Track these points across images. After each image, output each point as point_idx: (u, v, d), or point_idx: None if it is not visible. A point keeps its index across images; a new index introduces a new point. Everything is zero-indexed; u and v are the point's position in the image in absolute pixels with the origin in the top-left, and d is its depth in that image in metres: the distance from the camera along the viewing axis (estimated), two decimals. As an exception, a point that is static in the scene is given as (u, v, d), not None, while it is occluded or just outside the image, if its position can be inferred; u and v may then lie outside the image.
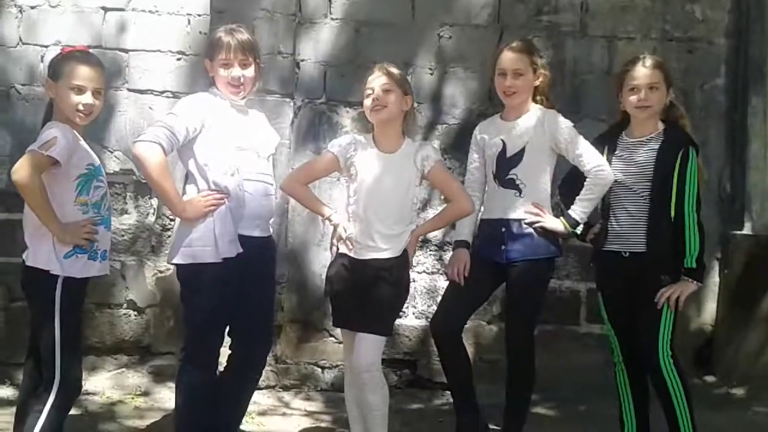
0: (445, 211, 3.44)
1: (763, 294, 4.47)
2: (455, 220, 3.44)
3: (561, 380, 4.15)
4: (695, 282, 3.16)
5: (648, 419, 3.31)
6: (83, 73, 2.90)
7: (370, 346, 3.11)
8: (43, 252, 2.84)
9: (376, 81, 3.23)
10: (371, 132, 3.29)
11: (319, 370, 4.38)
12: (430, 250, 4.48)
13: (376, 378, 3.12)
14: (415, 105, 4.38)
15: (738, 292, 4.49)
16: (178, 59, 4.40)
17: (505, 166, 3.37)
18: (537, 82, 3.42)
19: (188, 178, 3.13)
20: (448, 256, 4.43)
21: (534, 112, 3.41)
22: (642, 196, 3.22)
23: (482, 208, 3.48)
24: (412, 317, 4.44)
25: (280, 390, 4.30)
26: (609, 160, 3.32)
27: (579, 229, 3.40)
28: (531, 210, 3.31)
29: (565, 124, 3.40)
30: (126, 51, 4.39)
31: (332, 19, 4.45)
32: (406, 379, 4.41)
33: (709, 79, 4.58)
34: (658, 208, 3.18)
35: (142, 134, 3.06)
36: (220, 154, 3.08)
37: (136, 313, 4.38)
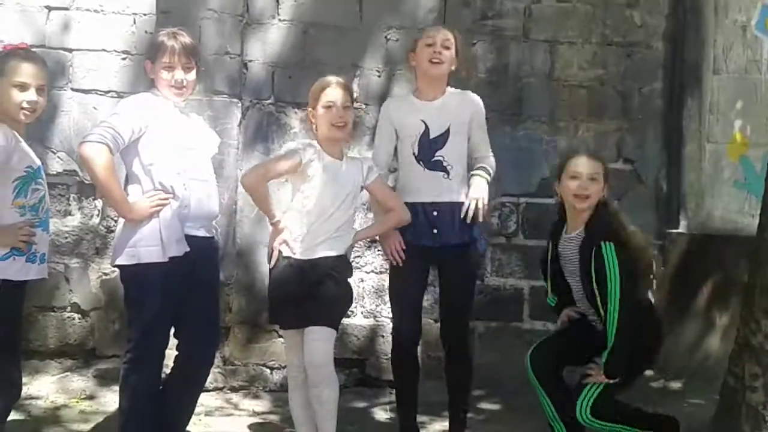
0: (387, 219, 3.42)
1: (699, 289, 4.65)
2: (394, 228, 3.45)
3: (505, 376, 4.24)
4: (606, 377, 3.12)
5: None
6: (26, 70, 2.87)
7: (324, 340, 3.15)
8: None
9: (338, 96, 3.26)
10: (315, 138, 3.33)
11: (268, 370, 4.39)
12: (378, 250, 4.51)
13: (332, 373, 3.16)
14: (363, 106, 4.49)
15: (674, 288, 4.65)
16: (123, 59, 4.36)
17: (429, 148, 3.41)
18: (453, 67, 3.49)
19: (130, 178, 3.11)
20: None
21: (452, 92, 3.50)
22: (582, 294, 3.24)
23: (402, 191, 3.49)
24: (361, 316, 4.48)
25: (228, 391, 4.29)
26: (555, 262, 3.36)
27: (552, 301, 3.46)
28: (468, 205, 3.36)
29: (482, 106, 3.53)
30: (70, 50, 4.33)
31: (280, 20, 4.46)
32: (355, 378, 4.45)
33: (647, 82, 4.73)
34: (594, 305, 3.20)
35: (87, 134, 3.03)
36: (165, 155, 3.08)
37: (80, 316, 4.32)
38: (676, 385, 4.48)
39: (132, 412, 3.07)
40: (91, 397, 4.10)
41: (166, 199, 3.03)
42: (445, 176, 3.40)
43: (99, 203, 4.32)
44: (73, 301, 4.31)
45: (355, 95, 4.38)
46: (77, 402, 4.05)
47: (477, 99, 3.54)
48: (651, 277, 3.37)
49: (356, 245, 4.43)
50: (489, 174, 3.48)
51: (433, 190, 3.39)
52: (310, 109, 3.33)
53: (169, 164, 3.07)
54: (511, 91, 4.61)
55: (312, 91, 3.33)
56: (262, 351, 4.37)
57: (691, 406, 4.16)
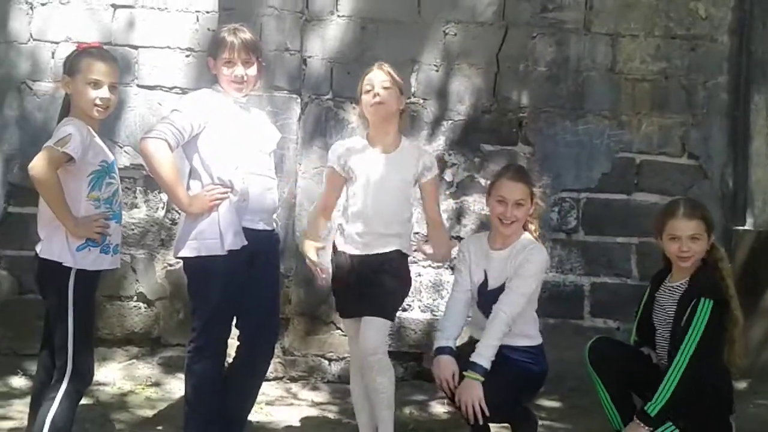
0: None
1: (766, 288, 4.52)
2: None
3: (564, 374, 4.20)
4: (646, 428, 3.05)
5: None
6: (100, 68, 2.97)
7: (376, 329, 3.18)
8: (56, 244, 2.90)
9: (376, 78, 3.28)
10: (367, 130, 3.35)
11: (326, 362, 4.44)
12: (436, 245, 4.52)
13: (383, 361, 3.19)
14: (421, 101, 4.50)
15: (740, 286, 4.47)
16: (187, 56, 4.46)
17: (487, 300, 3.33)
18: (530, 211, 3.40)
19: (192, 173, 3.19)
20: (452, 250, 4.49)
21: (520, 243, 3.36)
22: (666, 343, 3.20)
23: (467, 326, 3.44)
24: (418, 311, 4.49)
25: (288, 381, 4.36)
26: (649, 306, 3.33)
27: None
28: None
29: (540, 261, 3.33)
30: (135, 47, 4.45)
31: (339, 16, 4.50)
32: (413, 371, 4.47)
33: (712, 76, 4.61)
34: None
35: (148, 131, 3.13)
36: (224, 150, 3.15)
37: (146, 305, 4.44)
38: (741, 385, 4.36)
39: (195, 400, 3.15)
40: (156, 384, 4.22)
41: (225, 193, 3.09)
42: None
43: (164, 196, 4.43)
44: (139, 291, 4.44)
45: (412, 90, 4.46)
46: (143, 389, 4.17)
47: (538, 253, 3.34)
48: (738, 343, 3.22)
49: (413, 239, 4.47)
50: (484, 367, 3.16)
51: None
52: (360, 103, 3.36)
53: (228, 159, 3.14)
54: (572, 85, 4.56)
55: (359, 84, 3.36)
56: (320, 342, 4.43)
57: (758, 407, 4.07)
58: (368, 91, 3.27)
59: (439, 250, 3.47)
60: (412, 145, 3.43)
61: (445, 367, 3.22)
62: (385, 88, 3.26)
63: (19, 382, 4.13)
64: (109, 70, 3.00)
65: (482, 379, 3.12)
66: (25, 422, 3.17)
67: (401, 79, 3.38)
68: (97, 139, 3.00)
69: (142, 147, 3.08)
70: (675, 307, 3.18)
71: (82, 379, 2.94)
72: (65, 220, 2.86)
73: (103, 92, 2.96)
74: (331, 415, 3.92)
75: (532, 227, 3.45)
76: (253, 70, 3.25)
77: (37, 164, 2.83)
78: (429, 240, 3.52)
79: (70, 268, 2.89)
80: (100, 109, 2.97)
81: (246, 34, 3.24)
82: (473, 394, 3.10)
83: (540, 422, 3.56)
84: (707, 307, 3.06)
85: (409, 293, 4.28)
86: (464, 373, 3.16)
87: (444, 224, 3.48)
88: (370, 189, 3.26)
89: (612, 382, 3.30)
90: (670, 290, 3.28)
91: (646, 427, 3.06)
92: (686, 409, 3.07)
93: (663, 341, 3.24)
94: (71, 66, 3.00)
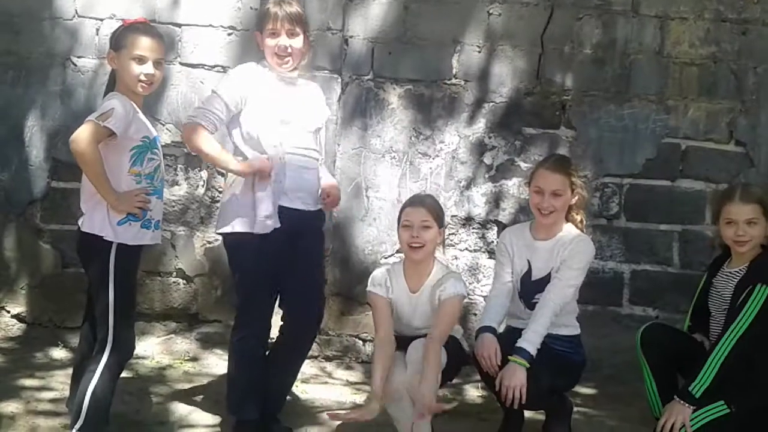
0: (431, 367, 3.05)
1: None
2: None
3: (602, 361, 4.16)
4: (689, 406, 3.03)
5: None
6: (145, 44, 2.98)
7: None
8: (97, 218, 2.94)
9: (416, 216, 3.19)
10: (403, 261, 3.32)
11: (360, 342, 4.45)
12: (473, 228, 4.50)
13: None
14: (462, 83, 4.45)
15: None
16: (229, 34, 4.46)
17: (530, 290, 3.34)
18: (573, 201, 3.36)
19: (235, 151, 3.22)
20: (490, 234, 4.47)
21: (565, 233, 3.35)
22: (721, 329, 3.16)
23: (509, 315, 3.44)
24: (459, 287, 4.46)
25: (323, 360, 4.39)
26: (705, 291, 3.32)
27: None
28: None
29: (588, 253, 3.32)
30: (179, 25, 4.46)
31: (381, -5, 4.46)
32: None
33: (762, 61, 4.47)
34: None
35: (189, 116, 3.21)
36: (263, 127, 3.16)
37: (185, 281, 4.49)
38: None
39: (237, 375, 3.20)
40: (194, 359, 4.27)
41: (268, 171, 3.09)
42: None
43: (204, 174, 4.46)
44: (178, 267, 4.49)
45: (454, 71, 4.42)
46: (181, 363, 4.23)
47: (585, 244, 3.34)
48: None
49: (451, 223, 4.45)
50: (531, 354, 3.13)
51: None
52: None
53: (267, 136, 3.15)
54: (618, 68, 4.46)
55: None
56: (355, 323, 4.44)
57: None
58: (406, 227, 3.20)
59: (422, 397, 3.02)
60: (437, 274, 3.25)
61: (489, 343, 3.20)
62: (426, 227, 3.18)
63: (60, 354, 4.22)
64: (154, 45, 3.01)
65: (528, 365, 3.10)
66: (67, 393, 3.25)
67: (441, 209, 3.31)
68: (141, 115, 3.02)
69: (184, 133, 3.19)
70: (732, 292, 3.15)
71: (123, 352, 2.98)
72: (106, 194, 2.89)
73: (148, 68, 2.98)
74: (364, 395, 3.93)
75: (577, 218, 3.41)
76: (298, 42, 3.22)
77: (79, 137, 2.86)
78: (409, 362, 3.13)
79: (110, 242, 2.92)
80: (144, 84, 2.99)
81: (291, 7, 3.22)
82: (517, 379, 3.08)
83: (575, 409, 3.53)
84: (763, 293, 3.04)
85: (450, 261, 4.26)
86: (509, 357, 3.14)
87: (440, 358, 3.07)
88: (399, 322, 3.26)
89: (660, 368, 3.29)
90: (727, 276, 3.25)
91: (689, 406, 3.02)
92: (737, 390, 3.04)
93: (717, 327, 3.22)
94: (117, 41, 3.02)
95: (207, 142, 3.13)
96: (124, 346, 2.97)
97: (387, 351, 3.13)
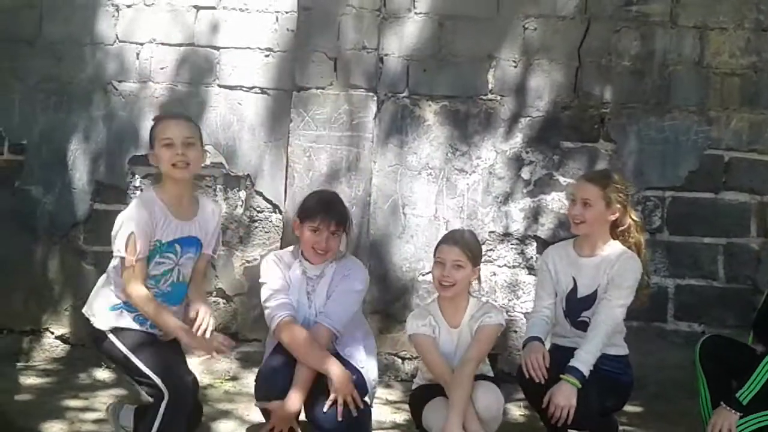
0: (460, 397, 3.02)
1: None
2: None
3: (647, 378, 4.07)
4: (735, 413, 2.99)
5: None
6: (169, 128, 3.00)
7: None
8: (95, 306, 3.00)
9: (449, 255, 3.15)
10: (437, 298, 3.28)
11: (399, 360, 4.43)
12: (512, 244, 4.46)
13: None
14: (498, 98, 4.43)
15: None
16: (266, 56, 4.51)
17: (576, 308, 3.30)
18: (612, 217, 3.30)
19: None
20: (529, 250, 4.42)
21: (611, 250, 3.30)
22: None
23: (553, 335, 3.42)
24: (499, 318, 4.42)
25: (362, 379, 4.36)
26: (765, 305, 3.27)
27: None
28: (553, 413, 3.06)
29: (637, 271, 3.27)
30: (217, 48, 4.53)
31: (416, 13, 4.47)
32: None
33: (806, 70, 4.39)
34: None
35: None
36: None
37: (224, 300, 4.52)
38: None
39: None
40: (234, 378, 4.29)
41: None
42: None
43: (243, 194, 4.50)
44: (218, 287, 4.52)
45: (490, 86, 4.41)
46: (221, 383, 4.25)
47: (633, 262, 3.28)
48: None
49: (489, 239, 4.41)
50: (584, 374, 3.10)
51: (575, 344, 3.23)
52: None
53: None
54: (657, 80, 4.40)
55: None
56: (394, 341, 4.42)
57: None
58: (439, 264, 3.17)
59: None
60: (473, 309, 3.23)
61: (537, 349, 3.17)
62: (458, 266, 3.14)
63: (103, 374, 4.27)
64: (179, 127, 3.00)
65: (579, 385, 3.05)
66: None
67: (479, 246, 3.28)
68: (165, 217, 2.96)
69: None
70: None
71: (181, 395, 2.86)
72: (167, 328, 2.91)
73: (177, 149, 2.95)
74: (404, 414, 3.89)
75: (631, 240, 3.34)
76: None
77: (126, 287, 2.89)
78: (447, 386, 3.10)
79: (104, 332, 2.95)
80: (178, 167, 2.96)
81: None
82: (567, 398, 3.02)
83: (621, 428, 3.46)
84: None
85: (485, 293, 4.26)
86: (561, 376, 3.08)
87: (471, 380, 3.05)
88: (449, 358, 3.19)
89: (717, 380, 3.24)
90: None
91: (736, 412, 2.97)
92: None
93: None
94: (150, 137, 3.06)
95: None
96: (179, 391, 2.85)
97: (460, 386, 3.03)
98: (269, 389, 3.08)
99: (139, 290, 2.89)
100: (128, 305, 2.94)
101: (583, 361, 3.10)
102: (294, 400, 3.02)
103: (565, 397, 3.03)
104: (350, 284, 3.27)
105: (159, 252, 2.97)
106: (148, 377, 2.86)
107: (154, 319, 2.91)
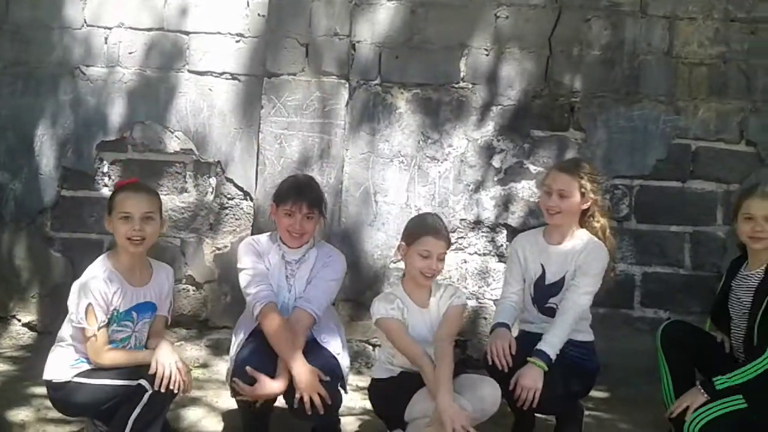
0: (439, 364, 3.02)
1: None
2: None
3: (613, 364, 4.11)
4: (705, 395, 3.04)
5: None
6: (128, 202, 2.98)
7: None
8: (54, 369, 2.98)
9: (436, 247, 3.13)
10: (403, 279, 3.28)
11: (370, 347, 4.44)
12: (482, 232, 4.48)
13: None
14: (470, 86, 4.44)
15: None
16: (237, 41, 4.47)
17: (544, 294, 3.34)
18: (584, 206, 3.34)
19: None
20: (499, 237, 4.45)
21: (579, 238, 3.34)
22: (742, 332, 3.17)
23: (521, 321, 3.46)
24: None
25: (333, 366, 4.37)
26: (726, 294, 3.29)
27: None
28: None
29: (604, 259, 3.30)
30: (187, 33, 4.48)
31: (388, 0, 4.46)
32: (457, 359, 4.42)
33: (772, 60, 4.45)
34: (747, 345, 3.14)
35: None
36: None
37: (194, 288, 4.50)
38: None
39: None
40: (204, 365, 4.28)
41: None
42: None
43: (213, 181, 4.47)
44: (188, 274, 4.50)
45: (461, 74, 4.41)
46: (191, 370, 4.22)
47: (599, 250, 3.31)
48: None
49: (460, 227, 4.43)
50: (550, 357, 3.13)
51: (542, 330, 3.27)
52: (402, 246, 3.22)
53: None
54: (627, 69, 4.44)
55: (408, 230, 3.23)
56: (365, 328, 4.43)
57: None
58: (425, 257, 3.13)
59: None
60: (437, 291, 3.24)
61: (503, 336, 3.21)
62: (442, 259, 3.15)
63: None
64: (140, 202, 2.99)
65: (546, 368, 3.09)
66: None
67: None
68: (121, 285, 2.98)
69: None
70: (751, 297, 3.14)
71: (162, 382, 2.86)
72: (149, 362, 2.88)
73: (134, 225, 2.95)
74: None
75: (596, 225, 3.38)
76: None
77: (93, 356, 2.92)
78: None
79: (66, 382, 2.95)
80: (134, 242, 2.97)
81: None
82: (534, 380, 3.06)
83: (587, 413, 3.51)
84: None
85: (456, 281, 4.30)
86: (529, 359, 3.12)
87: (452, 357, 3.05)
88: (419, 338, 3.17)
89: (678, 367, 3.28)
90: (745, 279, 3.23)
91: (705, 395, 3.02)
92: (760, 394, 3.01)
93: (739, 331, 3.21)
94: (108, 205, 3.06)
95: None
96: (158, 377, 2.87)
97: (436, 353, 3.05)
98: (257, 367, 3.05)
99: (106, 355, 2.92)
100: (86, 358, 2.96)
101: (550, 344, 3.14)
102: (280, 382, 3.04)
103: (531, 379, 3.06)
104: (331, 272, 3.29)
105: (116, 320, 3.00)
106: (125, 386, 2.87)
107: (131, 365, 2.92)
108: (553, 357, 3.12)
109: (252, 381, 3.03)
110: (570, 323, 3.21)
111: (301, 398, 2.99)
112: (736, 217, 3.25)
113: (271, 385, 3.04)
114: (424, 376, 3.04)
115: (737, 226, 3.24)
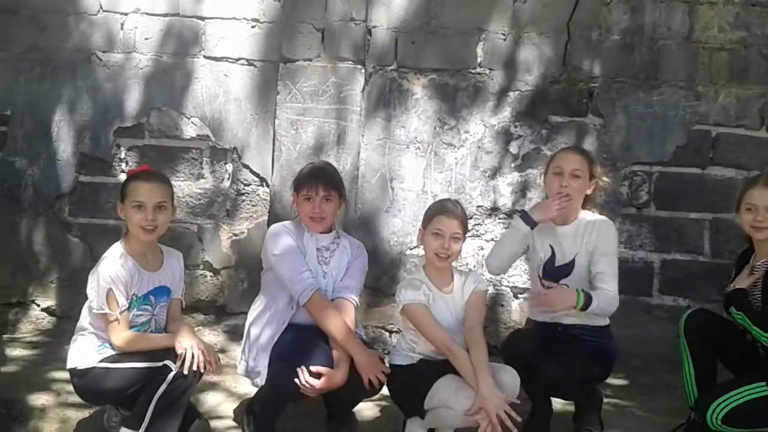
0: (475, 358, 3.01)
1: None
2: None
3: (631, 351, 4.11)
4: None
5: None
6: (142, 191, 3.01)
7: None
8: (78, 355, 3.02)
9: (448, 227, 3.12)
10: (423, 264, 3.27)
11: (387, 333, 4.45)
12: (499, 219, 4.46)
13: None
14: (487, 71, 4.40)
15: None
16: (253, 26, 4.46)
17: (553, 275, 3.33)
18: (589, 191, 3.36)
19: None
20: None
21: (584, 217, 3.36)
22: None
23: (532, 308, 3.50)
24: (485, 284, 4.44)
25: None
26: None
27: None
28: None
29: (615, 234, 3.36)
30: (202, 19, 4.47)
31: (405, -16, 4.42)
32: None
33: (795, 45, 4.38)
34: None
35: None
36: None
37: (212, 274, 4.51)
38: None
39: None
40: (221, 351, 4.29)
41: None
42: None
43: (230, 167, 4.47)
44: (205, 260, 4.51)
45: (478, 59, 4.38)
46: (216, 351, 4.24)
47: (608, 226, 3.36)
48: None
49: (477, 213, 4.41)
50: (590, 301, 3.17)
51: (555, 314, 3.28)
52: (420, 231, 3.23)
53: None
54: (646, 54, 4.39)
55: (425, 215, 3.24)
56: (381, 314, 4.43)
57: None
58: (437, 234, 3.13)
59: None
60: (460, 277, 3.25)
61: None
62: (456, 239, 3.13)
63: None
64: (152, 190, 3.02)
65: (582, 304, 3.11)
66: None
67: (466, 216, 3.25)
68: (137, 271, 3.03)
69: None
70: (761, 289, 3.11)
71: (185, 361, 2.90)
72: (171, 344, 2.94)
73: (147, 214, 2.99)
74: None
75: (588, 208, 3.41)
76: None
77: (114, 339, 2.97)
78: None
79: (93, 367, 2.98)
80: (147, 229, 3.01)
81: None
82: (566, 299, 3.13)
83: (605, 400, 3.49)
84: None
85: (473, 267, 4.28)
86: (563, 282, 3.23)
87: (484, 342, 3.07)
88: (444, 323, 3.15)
89: (701, 356, 3.26)
90: (754, 271, 3.20)
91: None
92: None
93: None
94: (121, 192, 3.09)
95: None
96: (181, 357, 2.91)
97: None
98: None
99: (128, 338, 2.97)
100: (110, 344, 3.00)
101: (596, 297, 3.16)
102: (342, 371, 3.08)
103: (564, 297, 3.15)
104: (362, 262, 3.40)
105: (136, 305, 3.04)
106: (149, 367, 2.91)
107: (154, 349, 2.96)
108: (593, 306, 3.13)
109: (317, 376, 3.04)
110: (612, 303, 3.23)
111: (369, 381, 3.07)
112: (739, 207, 3.22)
113: (337, 376, 3.06)
114: (456, 362, 3.01)
115: (741, 217, 3.22)
